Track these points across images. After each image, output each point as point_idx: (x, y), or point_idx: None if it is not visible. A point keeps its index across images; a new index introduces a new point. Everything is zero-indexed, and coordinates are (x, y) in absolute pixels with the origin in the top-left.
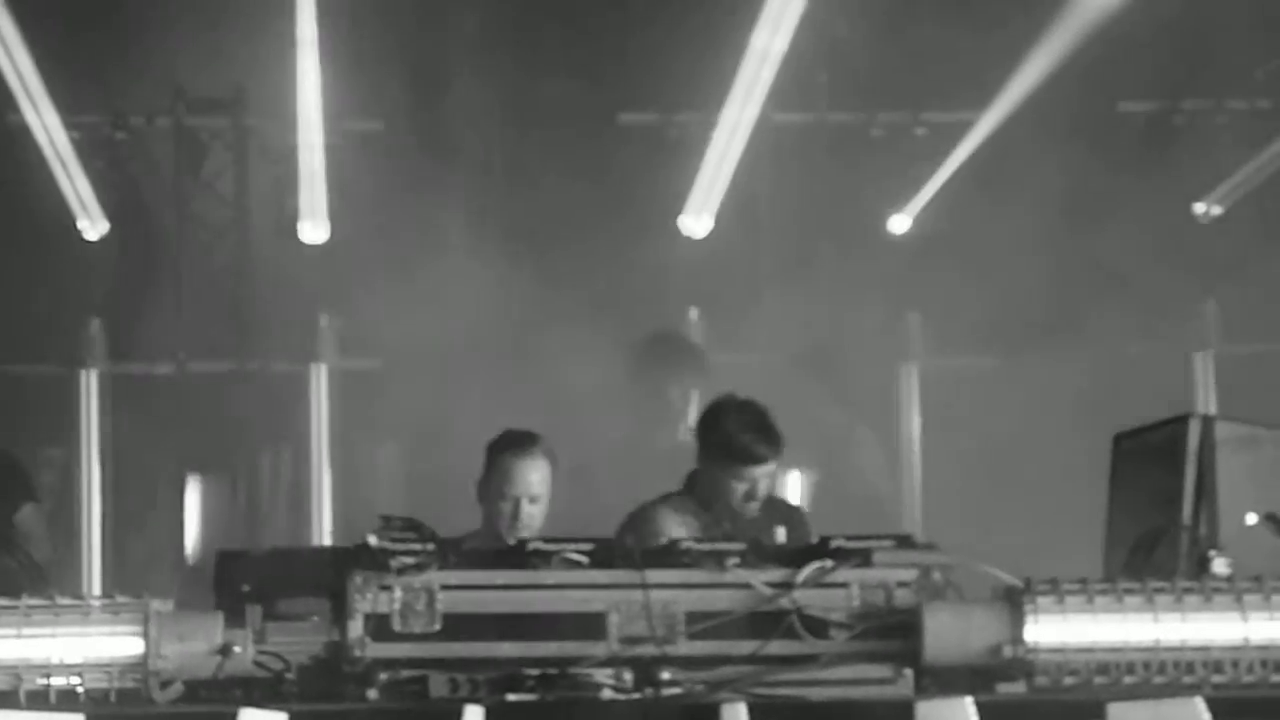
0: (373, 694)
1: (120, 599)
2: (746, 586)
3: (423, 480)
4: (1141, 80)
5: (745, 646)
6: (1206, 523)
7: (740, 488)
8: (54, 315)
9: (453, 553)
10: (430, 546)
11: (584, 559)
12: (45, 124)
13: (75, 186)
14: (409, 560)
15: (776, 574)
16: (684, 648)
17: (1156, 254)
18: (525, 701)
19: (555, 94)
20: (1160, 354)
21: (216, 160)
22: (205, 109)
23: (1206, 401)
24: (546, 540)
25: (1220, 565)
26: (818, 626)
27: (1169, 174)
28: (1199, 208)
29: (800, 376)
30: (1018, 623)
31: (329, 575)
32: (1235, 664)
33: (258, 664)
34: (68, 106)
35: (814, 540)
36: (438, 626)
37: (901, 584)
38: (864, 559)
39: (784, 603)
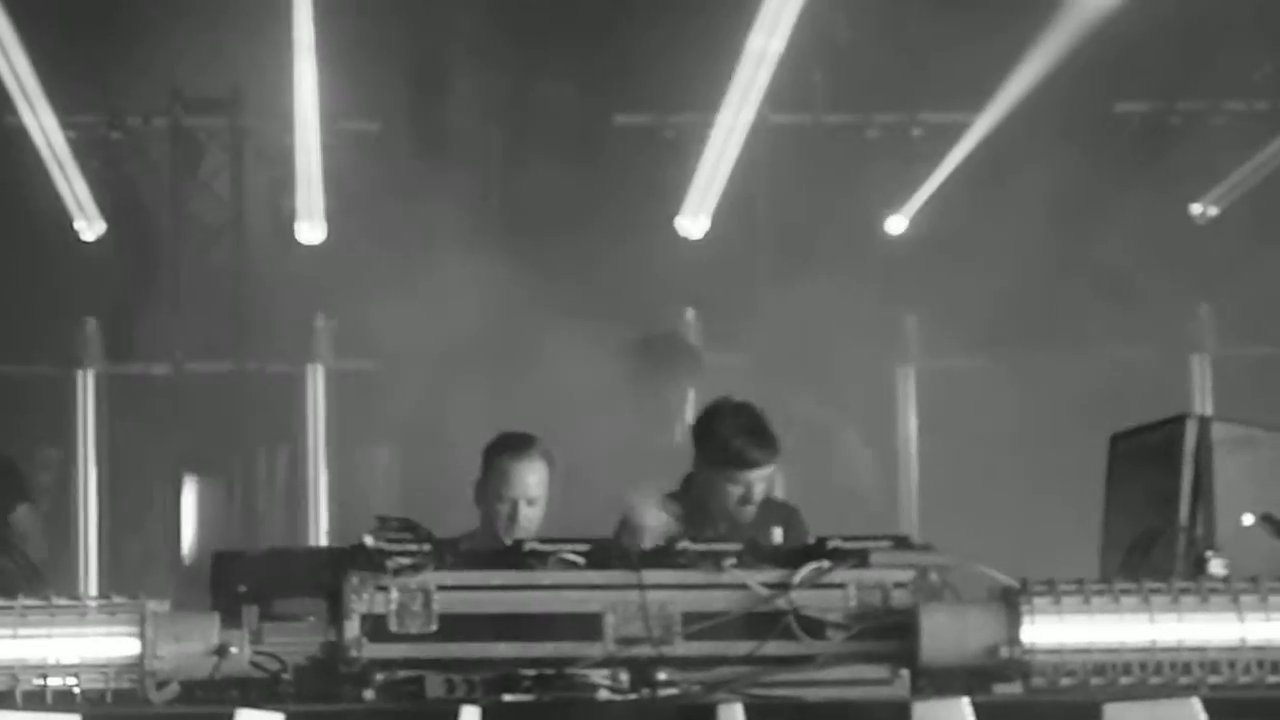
0: (369, 694)
1: (117, 599)
2: (743, 587)
3: (419, 481)
4: (1138, 81)
5: (742, 647)
6: (1203, 523)
7: (735, 491)
8: (51, 316)
9: (449, 553)
10: (426, 547)
11: (580, 559)
12: (42, 124)
13: (72, 187)
14: (405, 561)
15: (773, 574)
16: (680, 648)
17: (1153, 255)
18: (521, 702)
19: (552, 95)
20: (1156, 356)
21: (213, 161)
22: (202, 109)
23: (1203, 403)
24: (543, 541)
25: (1217, 566)
26: (814, 627)
27: (1165, 175)
28: (1195, 209)
29: (784, 376)
30: (1014, 623)
31: (325, 576)
32: (1232, 664)
33: (254, 664)
34: (64, 107)
35: (810, 541)
36: (434, 627)
37: (898, 585)
38: (861, 560)
39: (781, 603)
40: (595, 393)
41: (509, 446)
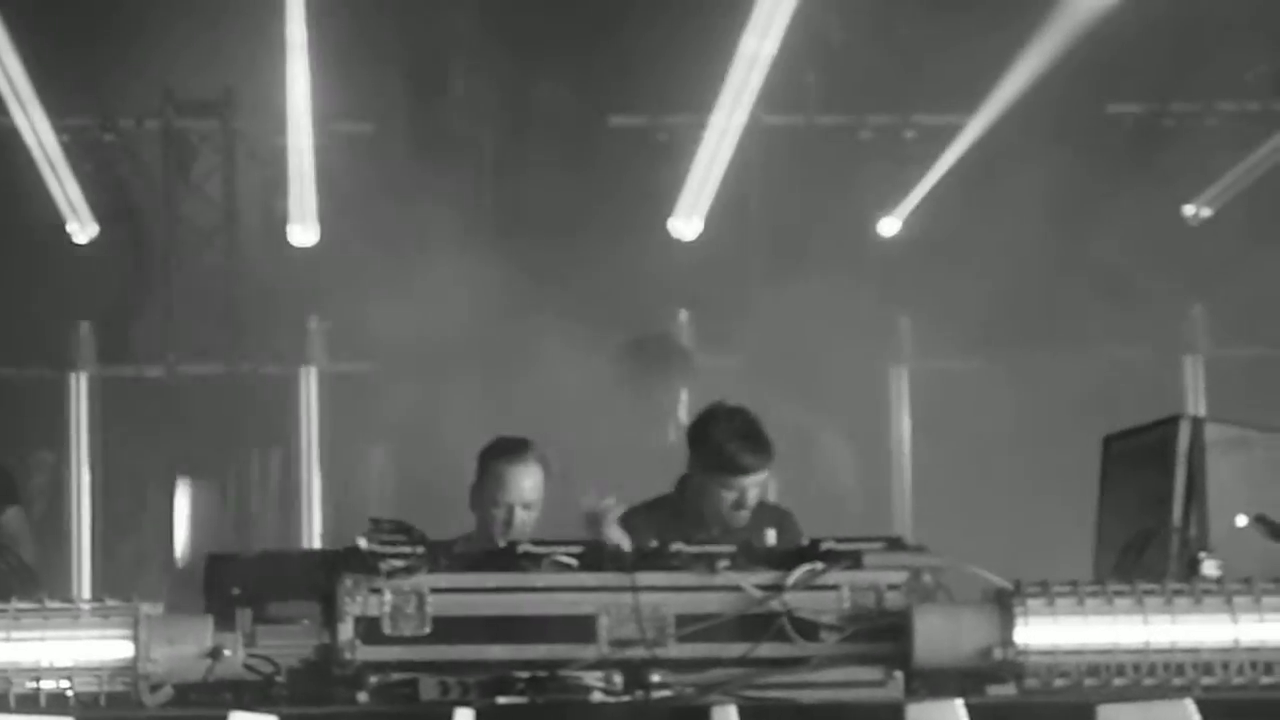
0: (363, 697)
1: (110, 602)
2: (737, 589)
3: (412, 483)
4: (1130, 83)
5: (735, 649)
6: (1196, 525)
7: (729, 496)
8: (44, 318)
9: (443, 555)
10: (420, 549)
11: (574, 562)
12: (35, 127)
13: (65, 189)
14: (399, 563)
15: (767, 576)
16: (674, 650)
17: (1146, 256)
18: (515, 704)
19: (546, 97)
20: (1150, 356)
21: (206, 163)
22: (194, 111)
23: (1196, 404)
24: (536, 543)
25: (1210, 567)
26: (808, 629)
27: (1158, 177)
28: (1189, 210)
29: (777, 378)
30: (1008, 625)
31: (319, 578)
32: (1225, 666)
33: (248, 667)
34: (57, 109)
35: (804, 543)
36: (428, 629)
37: (892, 586)
38: (854, 561)
39: (774, 605)
40: (589, 394)
41: (504, 451)
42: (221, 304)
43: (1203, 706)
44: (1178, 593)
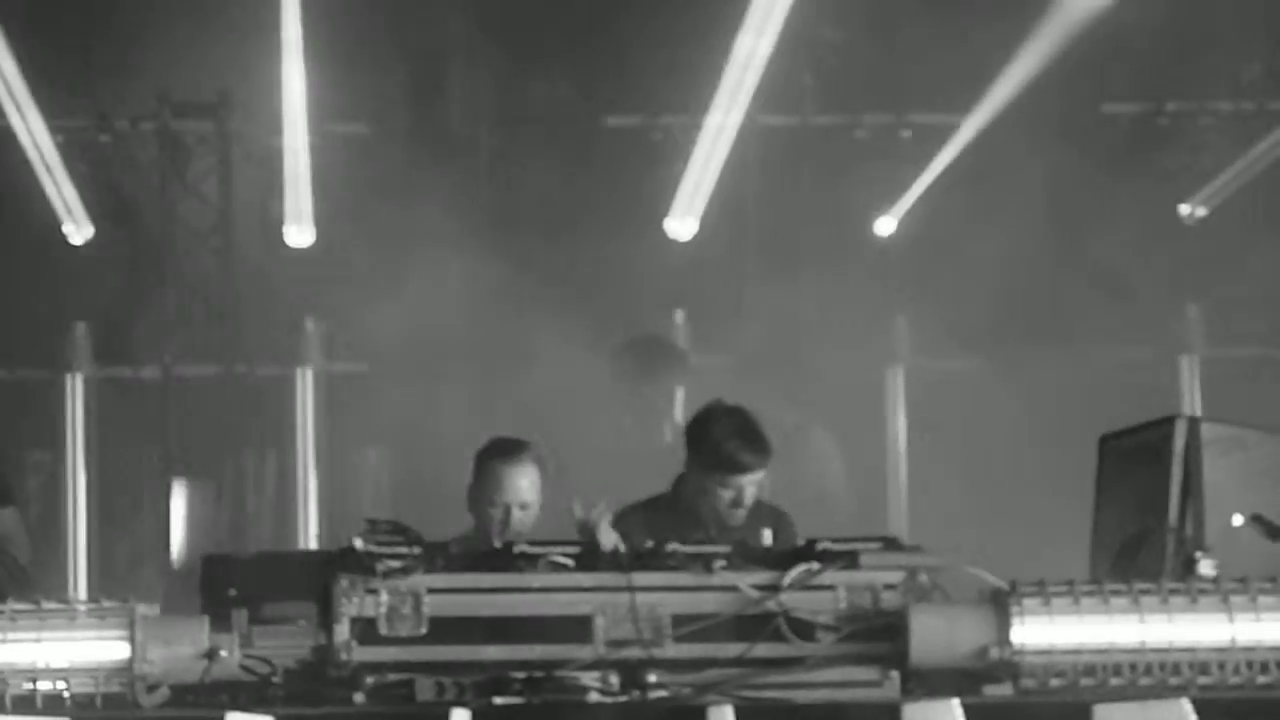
0: (359, 698)
1: (106, 603)
2: (733, 589)
3: (408, 483)
4: (1126, 82)
5: (732, 649)
6: (1192, 524)
7: (727, 495)
8: (39, 319)
9: (439, 556)
10: (416, 550)
11: (570, 562)
12: (30, 128)
13: (60, 190)
14: (395, 564)
15: (763, 576)
16: (670, 650)
17: (1141, 256)
18: (512, 705)
19: (541, 97)
20: (1145, 356)
21: (201, 164)
22: (190, 113)
23: (1191, 404)
24: (532, 543)
25: (1206, 567)
26: (804, 629)
27: (1154, 176)
28: (1184, 210)
29: (773, 378)
30: (1004, 625)
31: (315, 579)
32: (1221, 665)
33: (244, 668)
34: (52, 110)
35: (800, 543)
36: (424, 630)
37: (888, 586)
38: (850, 561)
39: (770, 605)
40: (585, 395)
41: (501, 451)
42: (218, 305)
43: (1199, 706)
44: (1174, 592)
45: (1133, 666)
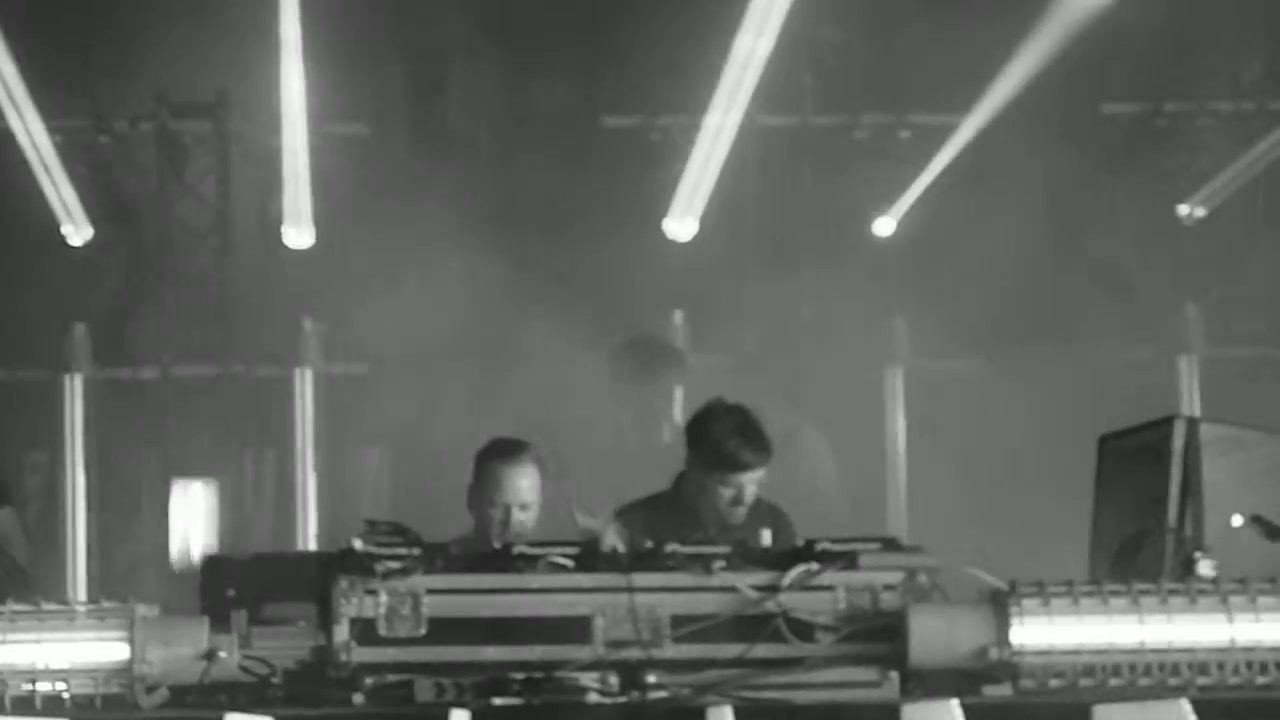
0: (358, 699)
1: (105, 604)
2: (732, 590)
3: (408, 484)
4: (1125, 82)
5: (731, 650)
6: (1192, 524)
7: (727, 493)
8: (38, 320)
9: (438, 557)
10: (415, 551)
11: (569, 563)
12: (28, 128)
13: (59, 191)
14: (394, 564)
15: (762, 577)
16: (670, 651)
17: (1141, 256)
18: (511, 705)
19: (540, 97)
20: (1145, 356)
21: (200, 164)
22: (188, 113)
23: (1191, 404)
24: (532, 544)
25: (1205, 567)
26: (803, 629)
27: (1153, 176)
28: (1183, 210)
29: (772, 378)
30: (1003, 625)
31: (314, 580)
32: (1221, 666)
33: (243, 669)
34: (51, 111)
35: (799, 543)
36: (423, 631)
37: (887, 587)
38: (849, 562)
39: (770, 606)
40: (584, 395)
41: (501, 452)
42: (216, 305)
43: (1198, 706)
44: (1173, 593)
45: (1132, 667)
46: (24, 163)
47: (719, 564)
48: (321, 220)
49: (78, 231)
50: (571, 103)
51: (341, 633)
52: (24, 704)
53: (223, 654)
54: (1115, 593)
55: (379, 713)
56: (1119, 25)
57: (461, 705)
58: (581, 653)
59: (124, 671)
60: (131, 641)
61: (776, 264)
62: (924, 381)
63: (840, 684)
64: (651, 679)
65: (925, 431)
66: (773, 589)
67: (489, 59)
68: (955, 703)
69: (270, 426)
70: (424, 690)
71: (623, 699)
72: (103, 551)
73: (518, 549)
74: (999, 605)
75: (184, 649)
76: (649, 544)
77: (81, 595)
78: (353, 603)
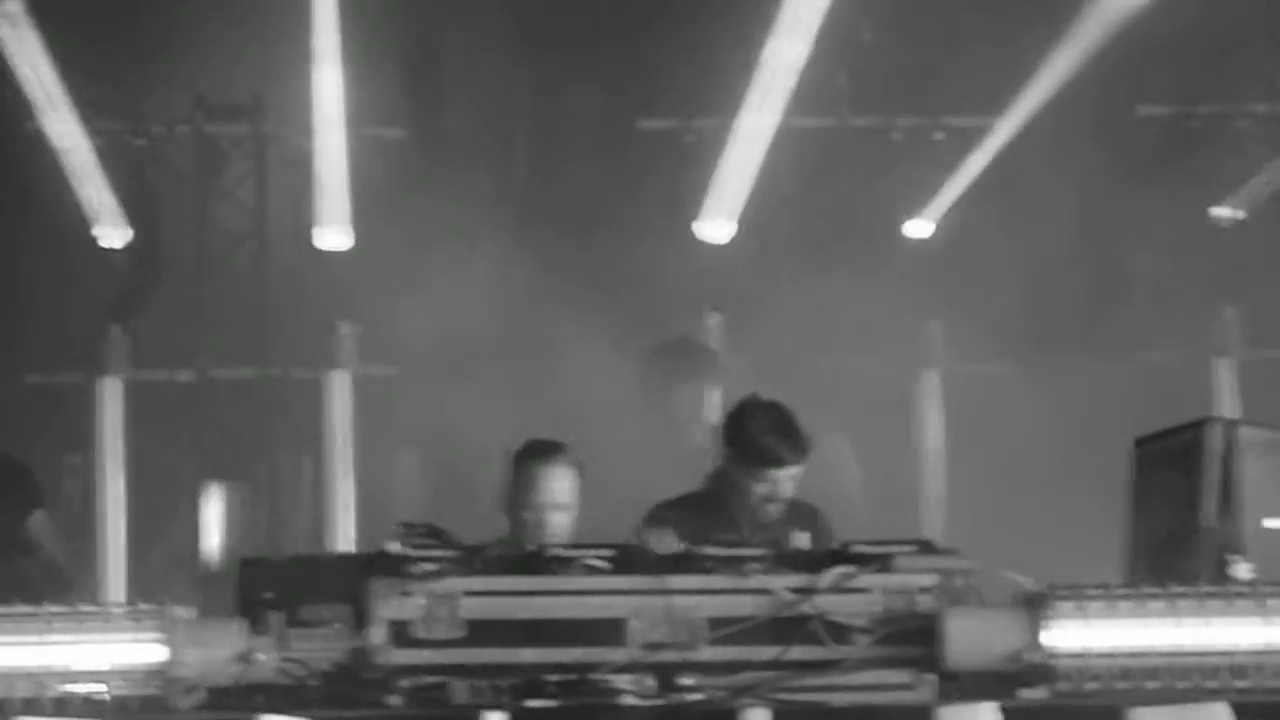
0: (394, 700)
1: (142, 606)
2: (768, 592)
3: (442, 485)
4: (1160, 84)
5: (767, 652)
6: (1228, 527)
7: (761, 489)
8: (75, 322)
9: (475, 559)
10: (452, 553)
11: (605, 564)
12: (66, 132)
13: (96, 194)
14: (430, 566)
15: (798, 579)
16: (705, 653)
17: (1177, 259)
18: (546, 708)
19: (575, 100)
20: (1181, 360)
21: (236, 167)
22: (225, 116)
23: (1228, 407)
24: (567, 545)
25: (1242, 570)
26: (839, 632)
27: (1189, 178)
28: (1220, 212)
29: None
30: (1039, 628)
31: (351, 582)
32: (1260, 669)
33: (280, 671)
34: (88, 114)
35: (835, 543)
36: (459, 633)
37: (923, 589)
38: (885, 564)
39: (806, 608)
40: (618, 397)
41: (537, 453)
42: (252, 308)
43: (1237, 710)
44: (1210, 595)
45: (1170, 670)
46: (61, 166)
47: (755, 566)
48: (356, 223)
49: (114, 234)
50: (607, 105)
51: (378, 635)
52: (62, 705)
53: (259, 656)
54: (1151, 595)
55: (414, 714)
56: (1154, 27)
57: (497, 707)
58: (617, 655)
59: (161, 673)
60: (169, 643)
61: (811, 266)
62: (958, 385)
63: (876, 686)
64: (687, 681)
65: (959, 435)
66: (809, 591)
67: (524, 61)
68: (990, 705)
69: (306, 428)
70: (459, 692)
71: (658, 701)
72: (139, 553)
73: (553, 551)
74: (1034, 608)
75: (221, 651)
76: (683, 545)
77: (118, 597)
78: (389, 605)
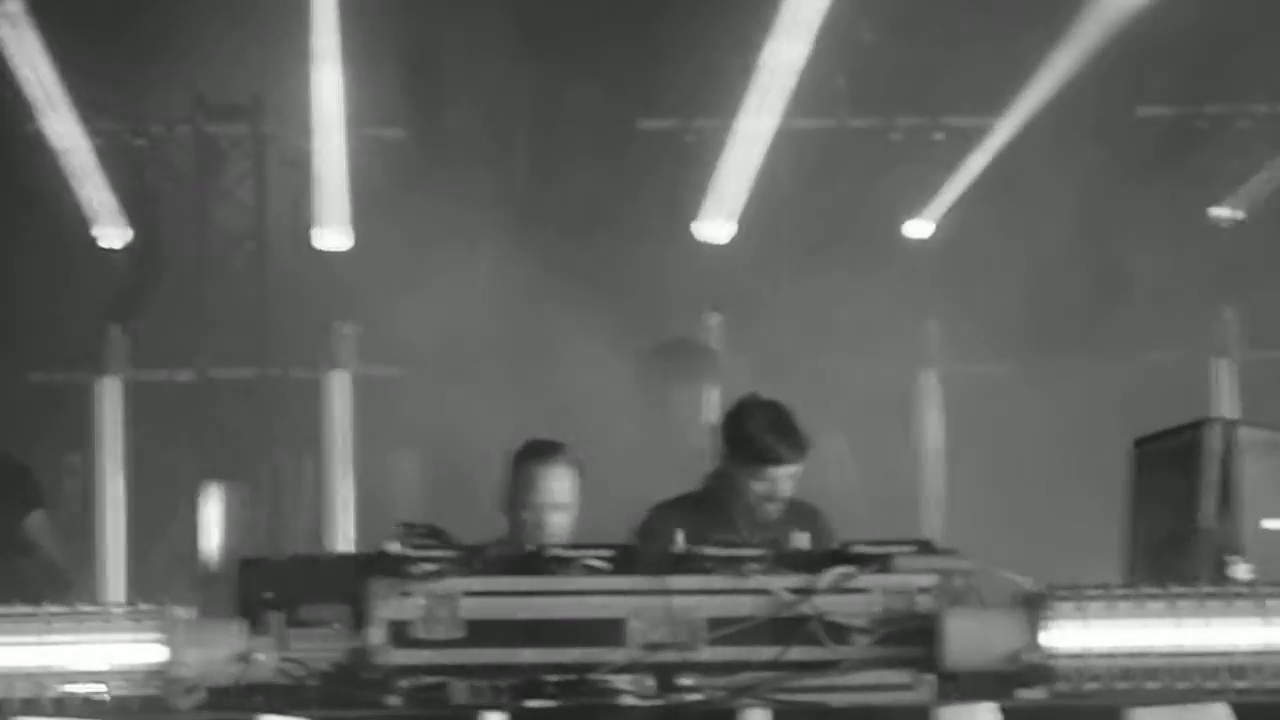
0: (394, 701)
1: (142, 606)
2: (767, 593)
3: (442, 486)
4: (1161, 85)
5: (766, 652)
6: (1228, 528)
7: (760, 488)
8: (74, 322)
9: (473, 559)
10: (451, 553)
11: (604, 565)
12: (65, 132)
13: (95, 194)
14: (430, 566)
15: (797, 580)
16: (705, 653)
17: (1177, 259)
18: (546, 708)
19: (576, 100)
20: (1180, 360)
21: (235, 167)
22: (224, 116)
23: (1228, 408)
24: (566, 546)
25: (1242, 570)
26: (839, 632)
27: (1189, 179)
28: (1220, 212)
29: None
30: (1038, 628)
31: (350, 582)
32: (1259, 669)
33: (279, 671)
34: (88, 114)
35: (835, 543)
36: (459, 633)
37: (922, 589)
38: (885, 564)
39: (805, 608)
40: (616, 396)
41: (536, 453)
42: (251, 308)
43: (1237, 710)
44: (1209, 595)
45: (1169, 670)
46: (60, 165)
47: (754, 566)
48: (357, 223)
49: (113, 234)
50: (606, 105)
51: (377, 635)
52: (62, 705)
53: (259, 656)
54: (1151, 595)
55: (414, 715)
56: (1154, 27)
57: (496, 707)
58: (616, 655)
59: (161, 673)
60: (168, 643)
61: (810, 266)
62: (957, 385)
63: (875, 687)
64: (686, 681)
65: (958, 435)
66: (808, 591)
67: (524, 61)
68: (989, 706)
69: (306, 428)
70: (459, 692)
71: (658, 701)
72: (139, 553)
73: (553, 551)
74: (1034, 608)
75: (221, 651)
76: (682, 545)
77: (118, 597)
78: (389, 605)
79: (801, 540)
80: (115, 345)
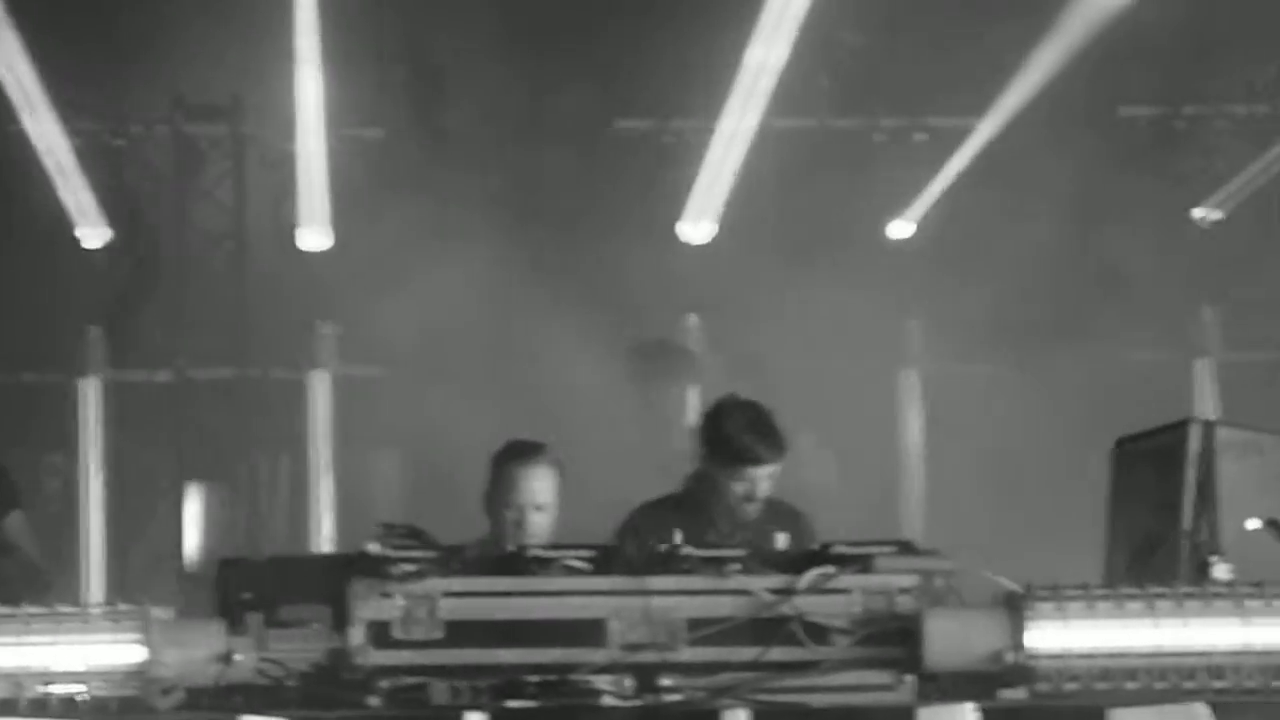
0: (373, 701)
1: (121, 606)
2: (747, 593)
3: (422, 486)
4: (1143, 85)
5: (747, 653)
6: (1207, 528)
7: (739, 488)
8: (54, 323)
9: (453, 559)
10: (431, 553)
11: (584, 565)
12: (45, 131)
13: (75, 194)
14: (410, 567)
15: (778, 580)
16: (685, 654)
17: (1158, 259)
18: (526, 708)
19: (555, 100)
20: (1161, 360)
21: (215, 168)
22: (204, 116)
23: (1208, 407)
24: (546, 546)
25: (1221, 570)
26: (819, 633)
27: (1170, 179)
28: (1200, 213)
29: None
30: (1019, 628)
31: (330, 582)
32: (1237, 669)
33: (259, 671)
34: (67, 114)
35: (816, 545)
36: (439, 634)
37: (903, 590)
38: (865, 565)
39: (785, 609)
40: (599, 397)
41: (517, 453)
42: (231, 308)
43: (1215, 710)
44: (1189, 596)
45: (1148, 671)
46: (40, 165)
47: (734, 567)
48: (337, 223)
49: (93, 234)
50: (585, 105)
51: (357, 635)
52: (39, 706)
53: (238, 656)
54: (1131, 596)
55: (394, 715)
56: (1136, 28)
57: (476, 708)
58: (596, 656)
59: (140, 674)
60: (147, 643)
61: (792, 266)
62: (939, 384)
63: (855, 687)
64: (666, 682)
65: (940, 434)
66: (788, 592)
67: (504, 62)
68: (970, 706)
69: (286, 429)
70: (439, 693)
71: (637, 702)
72: (118, 553)
73: (533, 552)
74: (1014, 608)
75: (200, 651)
76: (663, 546)
77: (97, 597)
78: (368, 605)
79: (782, 541)
80: (94, 346)
